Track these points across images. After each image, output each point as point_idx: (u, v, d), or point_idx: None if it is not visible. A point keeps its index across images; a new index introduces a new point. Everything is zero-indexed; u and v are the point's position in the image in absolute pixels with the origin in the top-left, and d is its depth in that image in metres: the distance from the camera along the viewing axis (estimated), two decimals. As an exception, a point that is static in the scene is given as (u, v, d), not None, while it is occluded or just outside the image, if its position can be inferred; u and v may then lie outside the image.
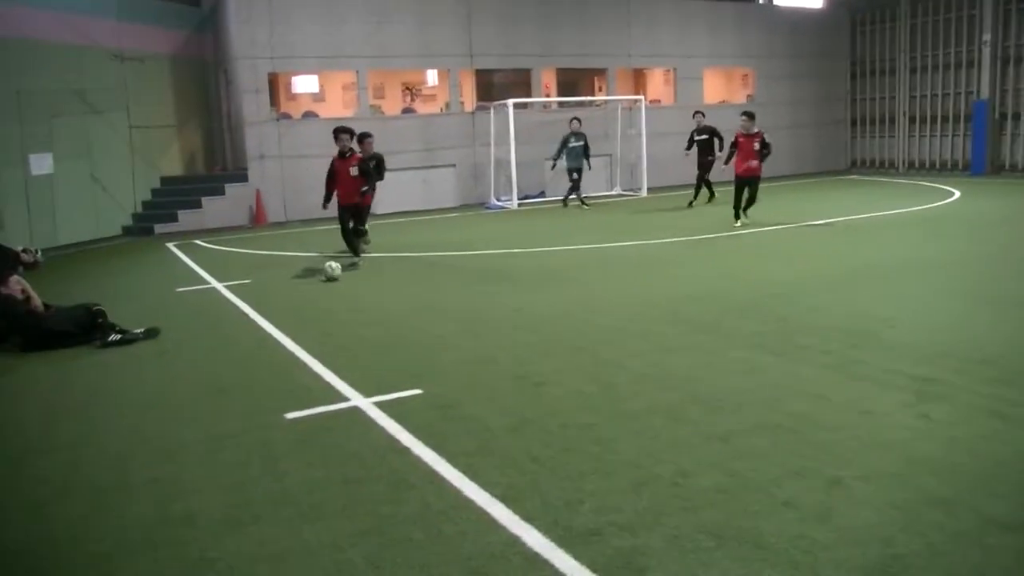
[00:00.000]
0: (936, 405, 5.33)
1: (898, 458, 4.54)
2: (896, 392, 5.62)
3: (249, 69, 18.58)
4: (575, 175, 18.84)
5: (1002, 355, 6.38)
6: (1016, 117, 23.17)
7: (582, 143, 18.69)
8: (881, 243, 12.30)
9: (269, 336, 8.13)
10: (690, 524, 3.91)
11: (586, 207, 19.00)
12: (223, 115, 20.90)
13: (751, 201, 14.68)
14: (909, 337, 7.02)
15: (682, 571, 3.52)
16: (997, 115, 23.39)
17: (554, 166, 19.28)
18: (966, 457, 4.54)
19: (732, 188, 14.80)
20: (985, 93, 23.42)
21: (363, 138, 13.01)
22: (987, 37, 23.27)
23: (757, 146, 14.47)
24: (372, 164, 12.53)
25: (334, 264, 11.01)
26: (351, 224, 12.09)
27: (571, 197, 19.26)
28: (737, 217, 14.61)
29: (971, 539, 3.65)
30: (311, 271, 11.69)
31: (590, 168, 19.20)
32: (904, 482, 4.24)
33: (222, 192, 18.62)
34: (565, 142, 18.80)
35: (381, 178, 13.36)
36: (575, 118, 19.05)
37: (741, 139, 14.61)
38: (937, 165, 25.35)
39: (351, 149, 11.92)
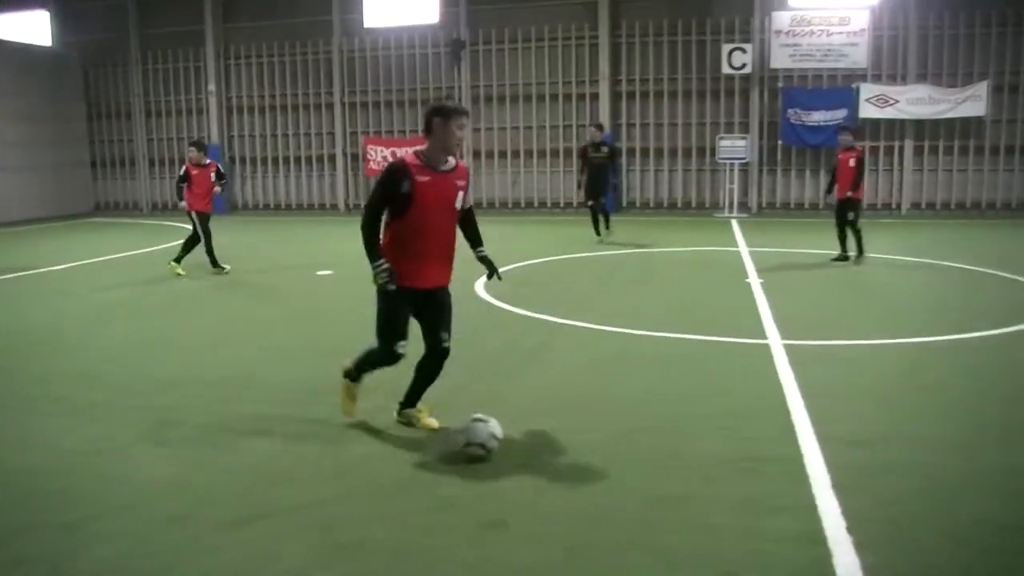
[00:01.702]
0: (173, 430, 5.65)
1: (131, 488, 4.71)
2: (135, 425, 5.78)
3: None
4: None
5: (232, 376, 7.07)
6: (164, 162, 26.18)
7: None
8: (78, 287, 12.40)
9: None
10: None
11: None
12: None
13: None
14: (141, 370, 7.27)
15: None
16: (227, 158, 25.38)
17: None
18: (193, 474, 4.92)
19: None
20: (215, 138, 25.25)
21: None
22: (212, 87, 25.22)
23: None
24: None
25: None
26: None
27: None
28: None
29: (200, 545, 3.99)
30: None
31: None
32: (136, 511, 4.40)
33: None
34: None
35: None
36: None
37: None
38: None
39: None
